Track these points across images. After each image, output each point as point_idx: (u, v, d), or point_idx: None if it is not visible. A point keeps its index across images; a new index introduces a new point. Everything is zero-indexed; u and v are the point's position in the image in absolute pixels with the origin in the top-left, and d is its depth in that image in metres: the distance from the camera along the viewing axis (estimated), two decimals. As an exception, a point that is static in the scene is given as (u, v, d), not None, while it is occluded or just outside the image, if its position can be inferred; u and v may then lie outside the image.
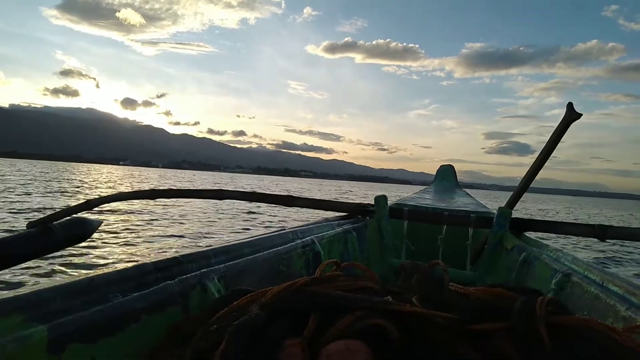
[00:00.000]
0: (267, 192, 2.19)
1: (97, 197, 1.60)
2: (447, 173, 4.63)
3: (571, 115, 2.02)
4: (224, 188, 2.06)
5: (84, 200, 1.52)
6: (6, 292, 0.65)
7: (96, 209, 1.62)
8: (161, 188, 1.89)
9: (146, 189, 1.82)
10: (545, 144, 2.15)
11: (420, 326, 0.60)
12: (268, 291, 0.67)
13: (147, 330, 0.78)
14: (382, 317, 0.59)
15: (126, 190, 1.78)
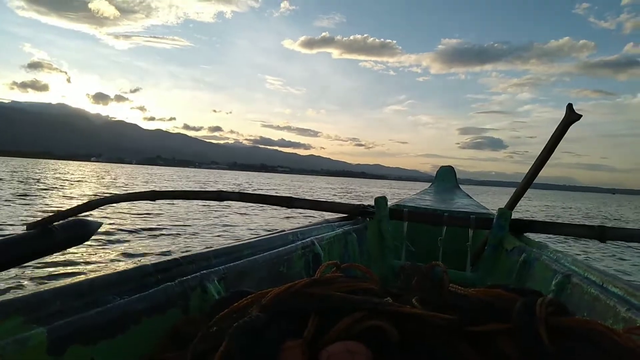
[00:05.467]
0: (266, 194, 2.19)
1: (97, 198, 1.60)
2: (447, 174, 4.63)
3: (570, 116, 2.02)
4: (222, 189, 2.06)
5: (84, 202, 1.52)
6: (6, 294, 0.65)
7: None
8: (161, 190, 1.90)
9: (146, 190, 1.82)
10: (544, 146, 2.15)
11: (420, 327, 0.60)
12: (268, 293, 0.67)
13: (147, 332, 0.78)
14: (382, 319, 0.59)
15: (124, 192, 1.78)
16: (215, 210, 10.31)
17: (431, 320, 0.61)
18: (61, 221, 1.22)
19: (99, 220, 1.34)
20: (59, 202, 10.25)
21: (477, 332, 0.60)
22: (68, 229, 1.20)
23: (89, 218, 1.32)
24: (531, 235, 2.03)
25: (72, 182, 19.72)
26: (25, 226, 1.17)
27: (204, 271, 0.98)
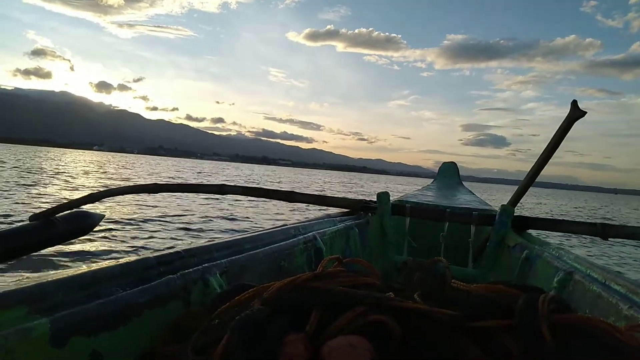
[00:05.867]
0: (269, 188, 2.19)
1: (100, 190, 1.60)
2: (449, 170, 4.63)
3: (575, 113, 2.01)
4: (225, 183, 2.06)
5: (87, 194, 1.52)
6: (9, 284, 0.65)
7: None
8: (163, 182, 1.90)
9: (148, 183, 1.82)
10: (548, 142, 2.14)
11: (422, 323, 0.60)
12: (270, 286, 0.67)
13: (149, 325, 0.78)
14: (384, 313, 0.59)
15: (129, 184, 1.78)
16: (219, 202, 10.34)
17: (433, 316, 0.61)
18: (63, 213, 1.22)
19: (102, 212, 1.34)
20: (55, 191, 10.29)
21: (479, 328, 0.60)
22: (70, 220, 1.20)
23: (91, 210, 1.33)
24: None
25: (77, 172, 19.64)
26: (27, 218, 1.18)
27: (206, 264, 0.98)
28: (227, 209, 9.64)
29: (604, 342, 0.57)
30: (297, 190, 2.22)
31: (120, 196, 1.77)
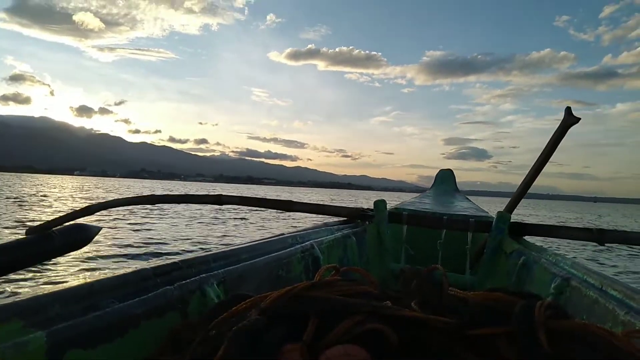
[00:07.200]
0: (266, 197, 2.19)
1: (96, 202, 1.60)
2: (446, 178, 4.63)
3: (569, 119, 2.02)
4: (222, 193, 2.06)
5: (84, 206, 1.52)
6: (5, 298, 0.65)
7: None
8: (160, 193, 1.90)
9: (146, 194, 1.82)
10: (543, 149, 2.16)
11: (420, 331, 0.60)
12: (267, 296, 0.67)
13: (146, 336, 0.78)
14: (381, 322, 0.59)
15: (124, 197, 1.78)
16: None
17: (430, 324, 0.61)
18: (61, 226, 1.22)
19: (99, 224, 1.33)
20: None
21: (477, 335, 0.60)
22: (68, 233, 1.20)
23: (88, 222, 1.32)
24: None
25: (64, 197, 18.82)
26: (24, 231, 1.17)
27: (203, 275, 0.98)
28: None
29: (601, 348, 0.57)
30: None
31: (117, 208, 1.77)
